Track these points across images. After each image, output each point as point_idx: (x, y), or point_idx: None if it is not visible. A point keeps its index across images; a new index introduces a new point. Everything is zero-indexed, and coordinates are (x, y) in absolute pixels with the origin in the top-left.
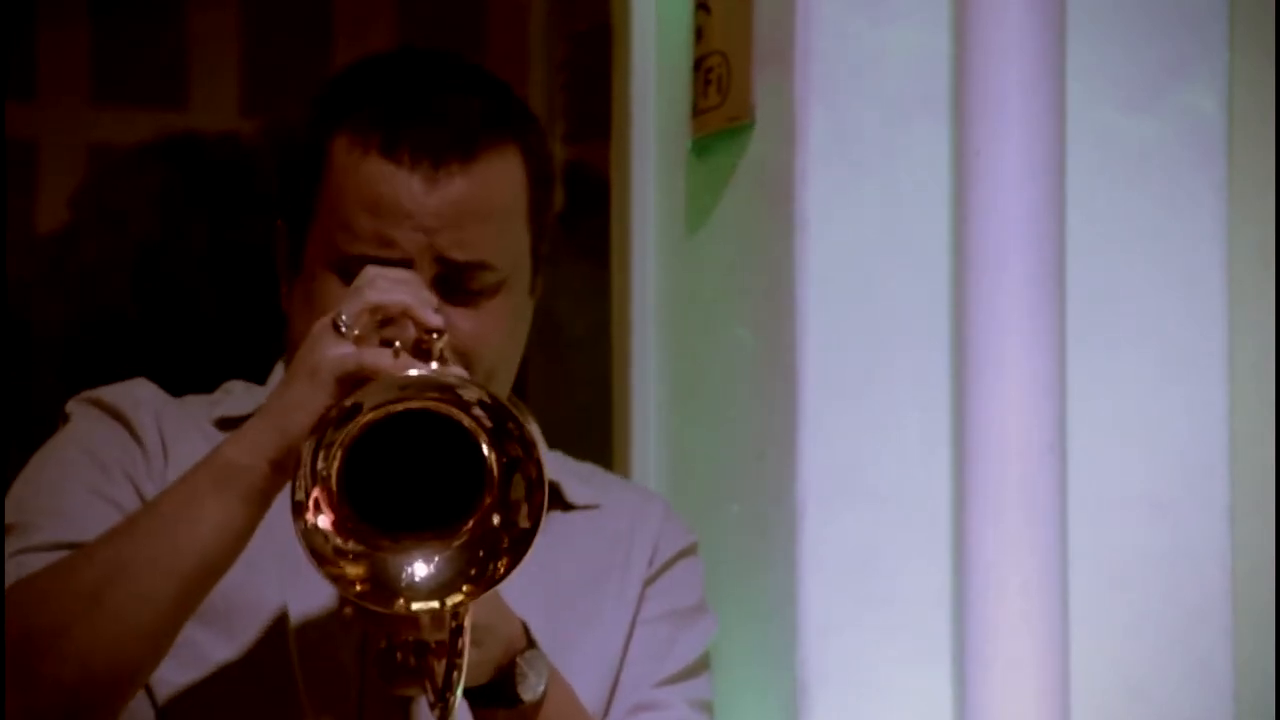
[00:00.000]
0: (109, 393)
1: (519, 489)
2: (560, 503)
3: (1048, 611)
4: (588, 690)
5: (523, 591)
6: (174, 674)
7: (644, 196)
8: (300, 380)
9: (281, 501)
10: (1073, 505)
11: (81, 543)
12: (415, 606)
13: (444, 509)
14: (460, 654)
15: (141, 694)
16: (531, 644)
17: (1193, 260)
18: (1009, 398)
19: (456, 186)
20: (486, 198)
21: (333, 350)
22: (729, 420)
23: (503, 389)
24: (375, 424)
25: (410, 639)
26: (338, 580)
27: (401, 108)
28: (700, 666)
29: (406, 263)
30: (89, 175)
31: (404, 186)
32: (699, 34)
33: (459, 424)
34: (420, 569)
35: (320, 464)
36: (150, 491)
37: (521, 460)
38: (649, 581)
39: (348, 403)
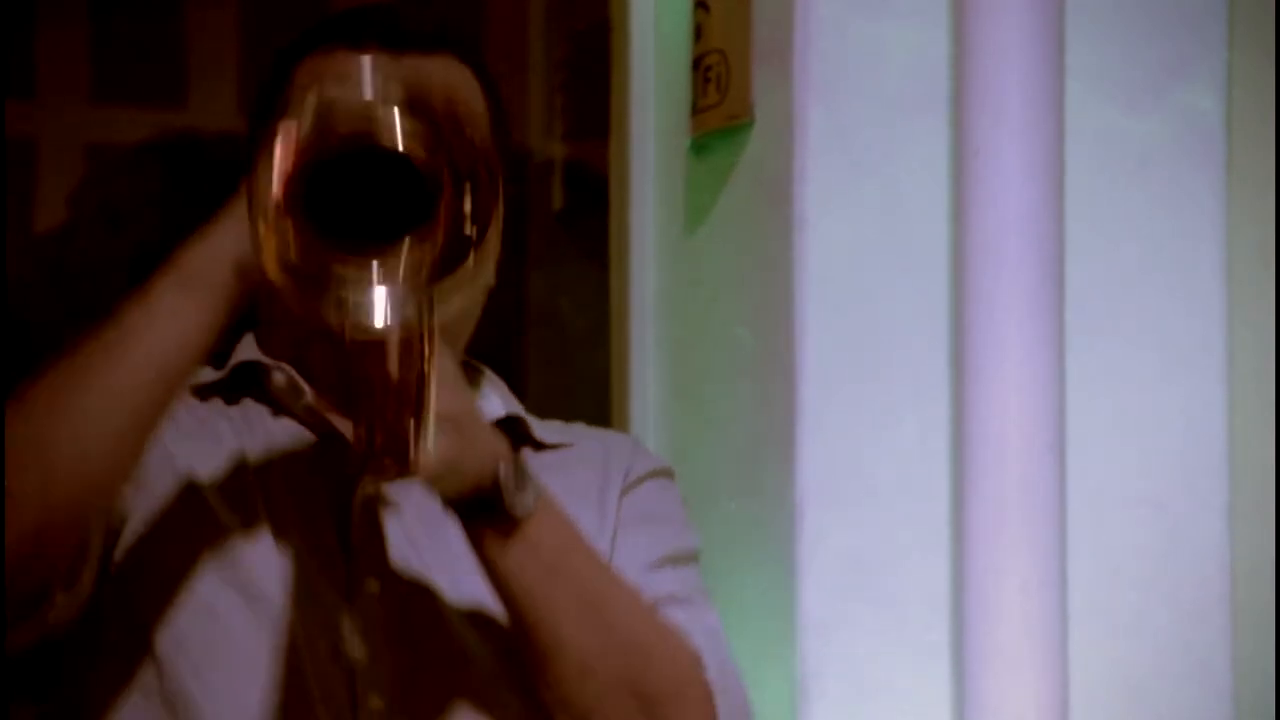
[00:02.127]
0: None
1: (467, 201)
2: (531, 442)
3: (1047, 611)
4: None
5: None
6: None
7: (643, 195)
8: None
9: None
10: (1072, 505)
11: None
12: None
13: (396, 223)
14: (426, 378)
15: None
16: (516, 452)
17: (1192, 260)
18: (1008, 397)
19: (421, 66)
20: (448, 81)
21: None
22: (727, 419)
23: (465, 319)
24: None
25: (375, 376)
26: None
27: (364, 20)
28: (688, 558)
29: None
30: (88, 174)
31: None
32: (698, 32)
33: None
34: (379, 277)
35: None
36: None
37: (471, 172)
38: (624, 492)
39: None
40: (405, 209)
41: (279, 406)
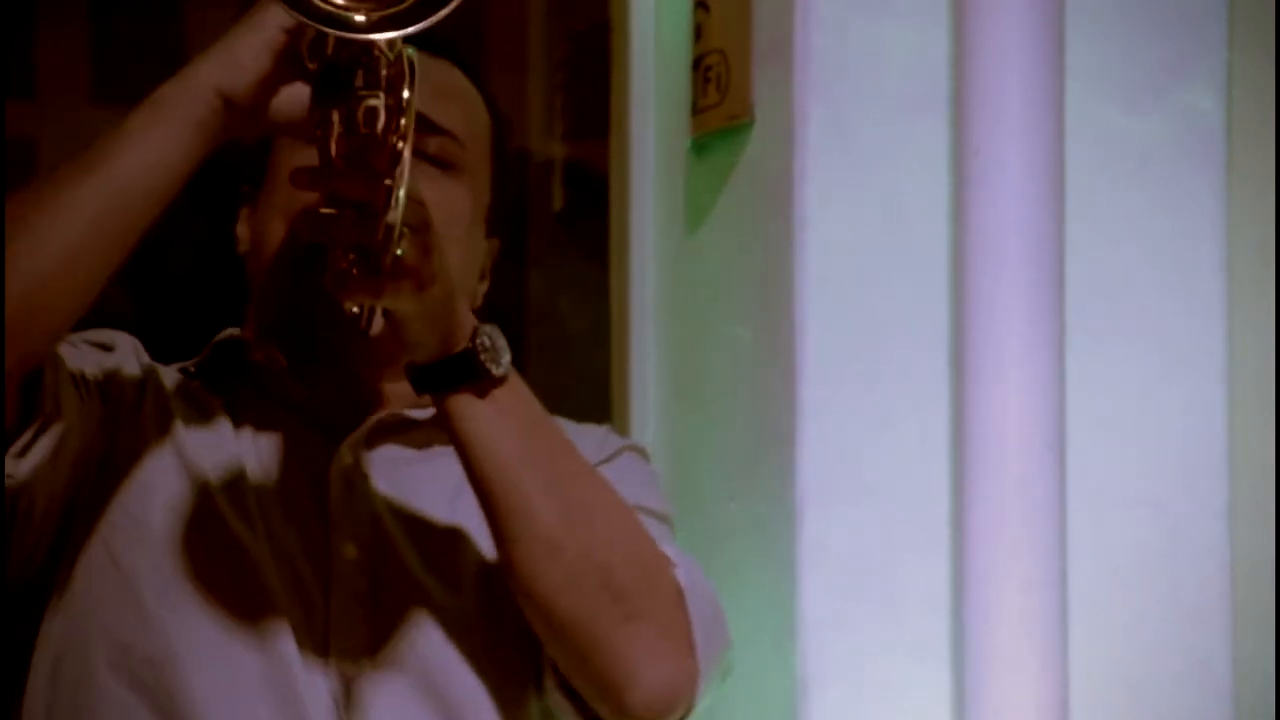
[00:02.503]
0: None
1: None
2: None
3: (1047, 610)
4: None
5: (469, 507)
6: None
7: (643, 195)
8: (251, 13)
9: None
10: (1072, 505)
11: None
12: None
13: None
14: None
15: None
16: (490, 326)
17: (1192, 260)
18: (1008, 396)
19: (431, 66)
20: (458, 88)
21: None
22: (728, 418)
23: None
24: None
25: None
26: None
27: None
28: (660, 517)
29: None
30: None
31: None
32: (698, 32)
33: None
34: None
35: None
36: (109, 379)
37: None
38: (598, 466)
39: None
40: None
41: (258, 383)
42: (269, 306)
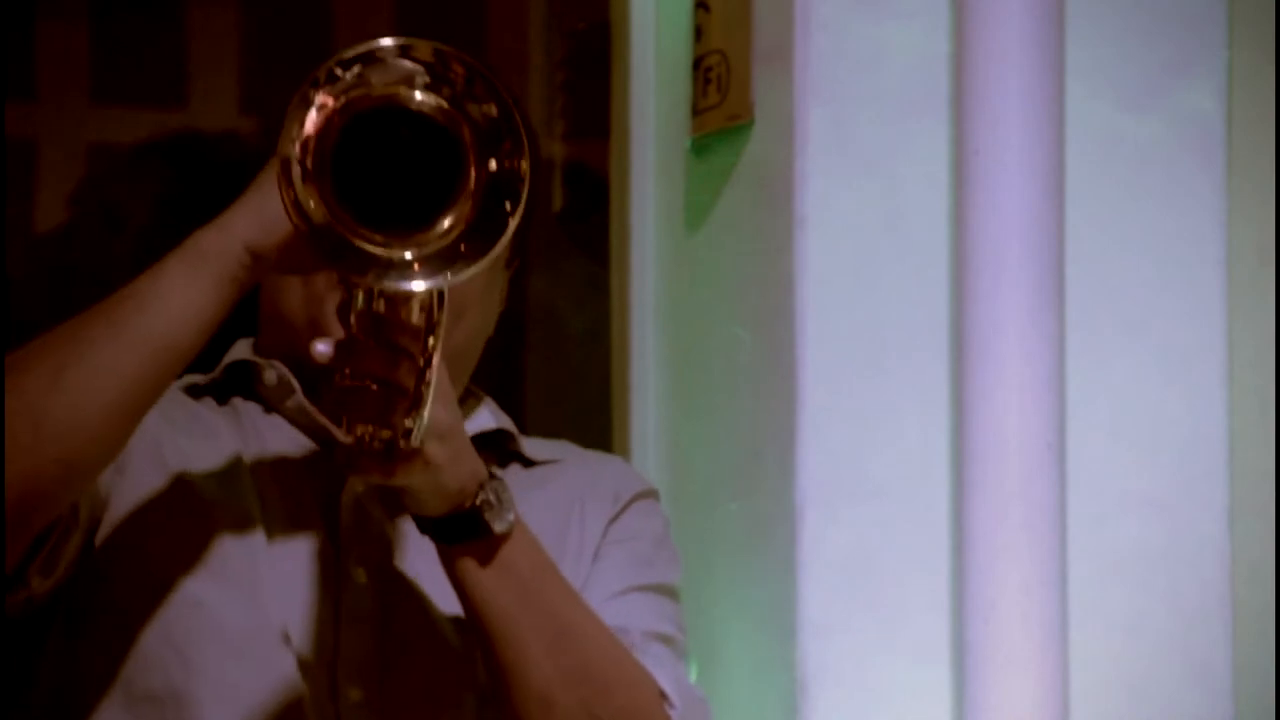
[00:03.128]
0: None
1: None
2: (520, 459)
3: (1047, 611)
4: None
5: None
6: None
7: (643, 195)
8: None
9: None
10: (1072, 505)
11: None
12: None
13: (425, 199)
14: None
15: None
16: (493, 476)
17: (1192, 260)
18: (1008, 396)
19: None
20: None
21: None
22: (728, 419)
23: (469, 355)
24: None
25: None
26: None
27: None
28: (665, 590)
29: None
30: (88, 174)
31: None
32: (698, 33)
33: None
34: (409, 252)
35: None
36: None
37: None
38: (612, 520)
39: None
40: (432, 199)
41: (269, 405)
42: (277, 338)
